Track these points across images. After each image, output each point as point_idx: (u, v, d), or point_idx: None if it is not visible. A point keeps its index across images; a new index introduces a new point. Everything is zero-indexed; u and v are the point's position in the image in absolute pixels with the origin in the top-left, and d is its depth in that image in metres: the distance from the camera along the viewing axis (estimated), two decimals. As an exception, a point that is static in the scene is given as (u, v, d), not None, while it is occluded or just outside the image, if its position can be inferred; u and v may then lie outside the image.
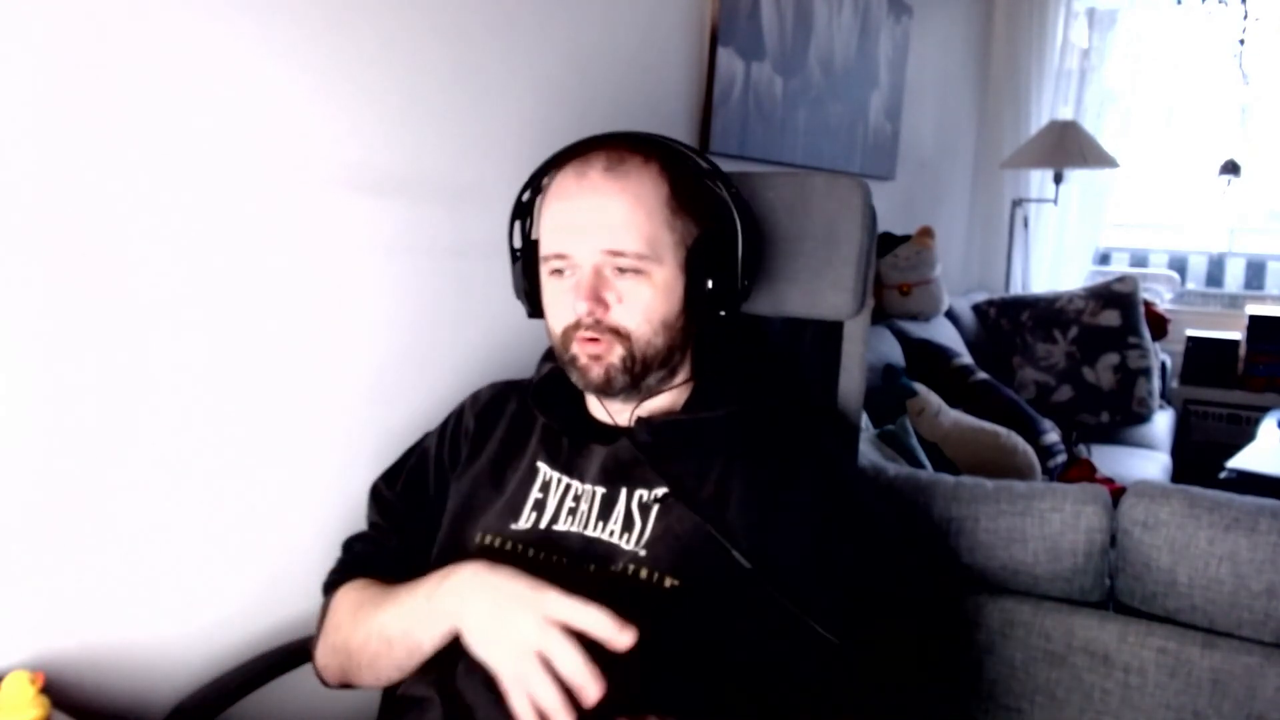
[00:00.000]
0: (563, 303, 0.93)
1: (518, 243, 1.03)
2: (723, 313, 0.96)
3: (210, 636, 1.06)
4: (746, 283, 0.98)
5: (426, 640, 0.85)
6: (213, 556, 1.06)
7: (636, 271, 0.91)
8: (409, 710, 0.89)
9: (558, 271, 0.94)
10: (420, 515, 1.04)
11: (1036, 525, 1.29)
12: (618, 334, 0.91)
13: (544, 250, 0.95)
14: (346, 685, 0.97)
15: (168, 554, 1.01)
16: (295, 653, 1.09)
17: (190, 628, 1.04)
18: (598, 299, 0.90)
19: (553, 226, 0.94)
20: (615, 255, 0.90)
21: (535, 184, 1.01)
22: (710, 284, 0.94)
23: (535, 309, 1.00)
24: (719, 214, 0.97)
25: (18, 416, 0.87)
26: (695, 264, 0.94)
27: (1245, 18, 3.52)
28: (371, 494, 1.09)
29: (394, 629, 0.88)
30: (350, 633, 0.94)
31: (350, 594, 0.98)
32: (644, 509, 0.91)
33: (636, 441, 0.94)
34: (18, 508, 0.88)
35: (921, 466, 1.91)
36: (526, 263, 1.00)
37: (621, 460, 0.95)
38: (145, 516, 0.98)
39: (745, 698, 0.84)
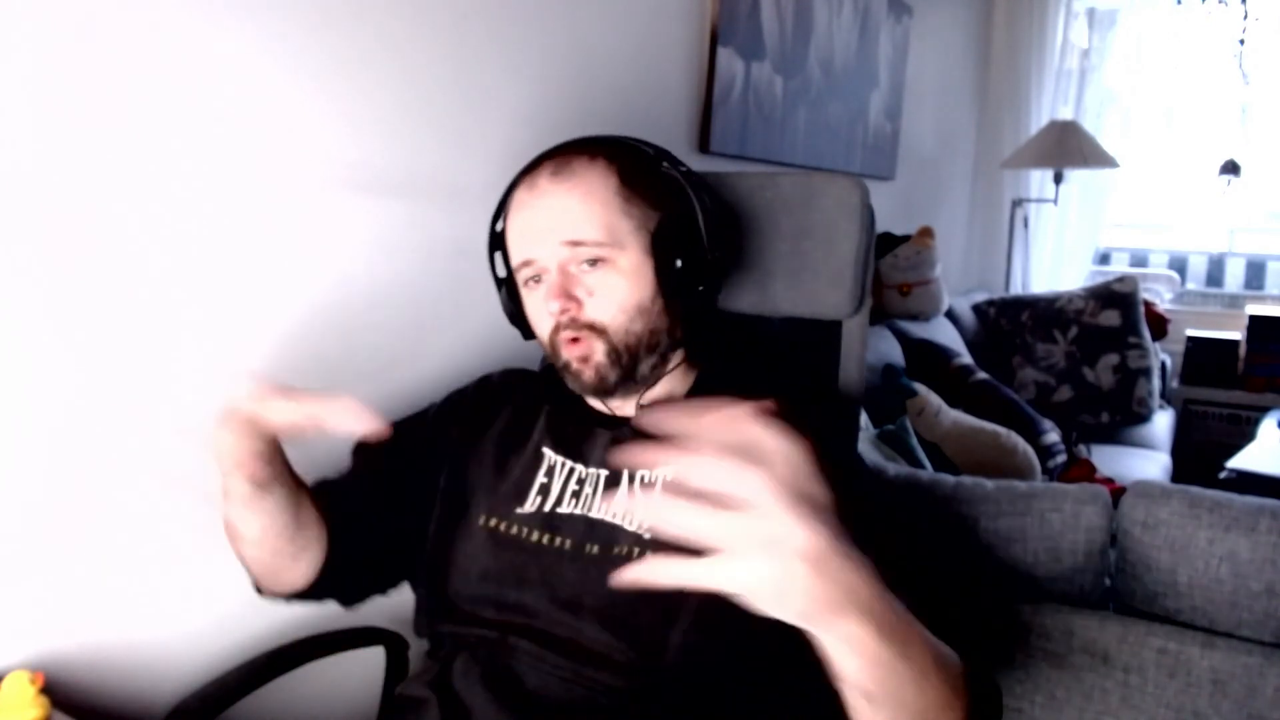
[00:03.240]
0: (541, 311, 0.95)
1: (501, 272, 1.04)
2: (700, 288, 0.97)
3: (210, 636, 1.06)
4: (717, 254, 0.98)
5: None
6: (213, 556, 1.05)
7: (601, 261, 0.92)
8: (408, 710, 0.89)
9: (532, 281, 0.96)
10: (402, 461, 1.03)
11: (1036, 525, 1.29)
12: (594, 329, 0.92)
13: (513, 262, 0.97)
14: (281, 587, 0.96)
15: (168, 554, 1.01)
16: (295, 653, 1.09)
17: (190, 628, 1.04)
18: (568, 296, 0.92)
19: (515, 238, 0.96)
20: (575, 245, 0.92)
21: (503, 211, 1.02)
22: (679, 263, 0.94)
23: (528, 331, 1.02)
24: (676, 196, 0.98)
25: (18, 417, 0.87)
26: (660, 245, 0.95)
27: (1245, 18, 3.52)
28: (354, 448, 1.07)
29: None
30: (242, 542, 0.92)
31: None
32: (647, 490, 0.91)
33: (638, 429, 0.95)
34: (18, 508, 0.88)
35: (921, 466, 1.91)
36: (510, 289, 1.02)
37: (624, 444, 0.95)
38: (145, 516, 0.98)
39: (749, 681, 0.85)
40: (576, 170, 0.94)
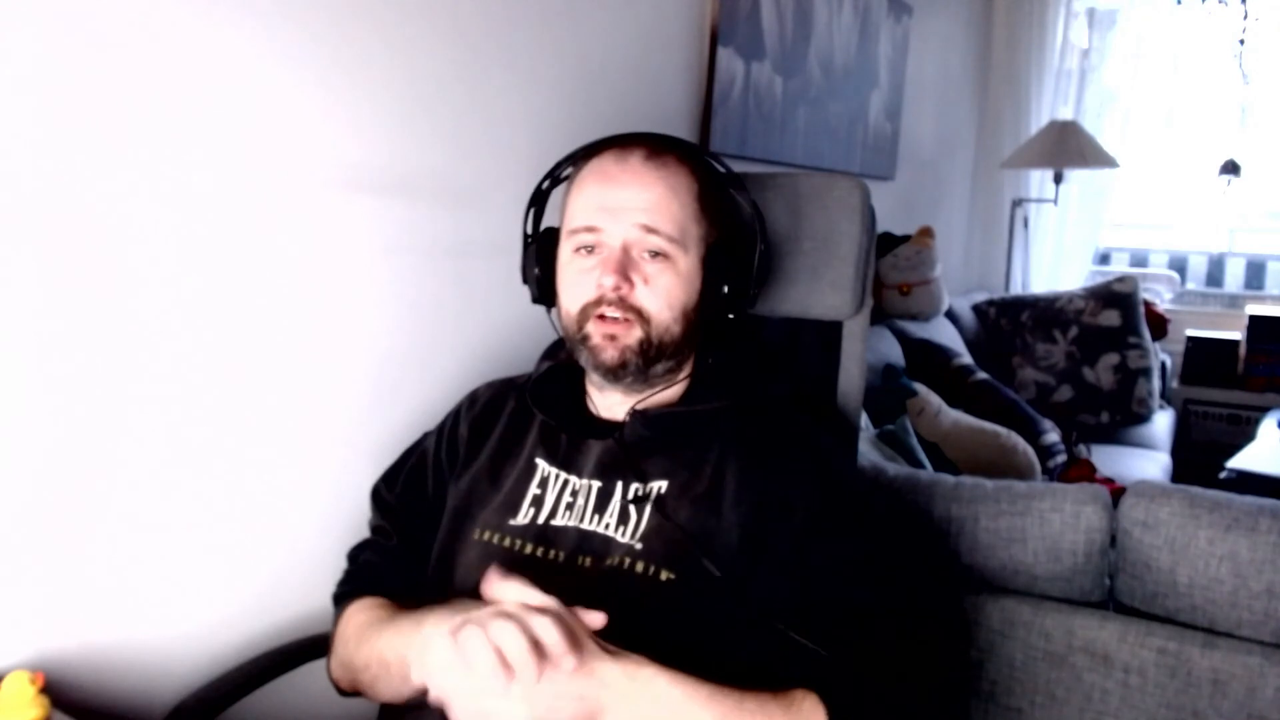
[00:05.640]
0: (585, 280, 0.94)
1: (530, 229, 1.05)
2: (731, 315, 0.99)
3: (210, 636, 1.06)
4: (757, 291, 1.01)
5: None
6: (213, 556, 1.06)
7: (664, 256, 0.93)
8: (408, 711, 0.89)
9: (583, 250, 0.95)
10: (420, 516, 1.05)
11: (1036, 525, 1.29)
12: (640, 315, 0.93)
13: (574, 224, 0.96)
14: (360, 694, 0.98)
15: (168, 554, 1.01)
16: (295, 653, 1.09)
17: (190, 628, 1.04)
18: (625, 275, 0.92)
19: (587, 204, 0.95)
20: (649, 232, 0.92)
21: (556, 174, 1.03)
22: (727, 289, 0.96)
23: (542, 295, 1.01)
24: (736, 222, 1.01)
25: (18, 416, 0.87)
26: (712, 264, 0.96)
27: (1245, 18, 3.52)
28: (372, 496, 1.10)
29: (390, 654, 0.89)
30: (355, 652, 0.95)
31: (358, 613, 0.99)
32: (639, 503, 0.92)
33: (630, 436, 0.95)
34: (18, 507, 0.88)
35: (921, 466, 1.91)
36: (540, 249, 1.01)
37: (617, 454, 0.95)
38: (146, 516, 0.98)
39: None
40: (669, 165, 0.95)
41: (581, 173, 0.98)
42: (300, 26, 1.06)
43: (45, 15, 0.84)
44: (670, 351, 0.95)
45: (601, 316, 0.93)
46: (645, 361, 0.93)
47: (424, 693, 0.78)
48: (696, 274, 0.95)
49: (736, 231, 1.01)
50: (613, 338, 0.93)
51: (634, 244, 0.92)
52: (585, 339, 0.94)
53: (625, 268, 0.92)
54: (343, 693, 1.00)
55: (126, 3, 0.90)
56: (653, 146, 0.97)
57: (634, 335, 0.92)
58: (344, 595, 1.04)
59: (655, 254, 0.93)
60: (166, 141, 0.95)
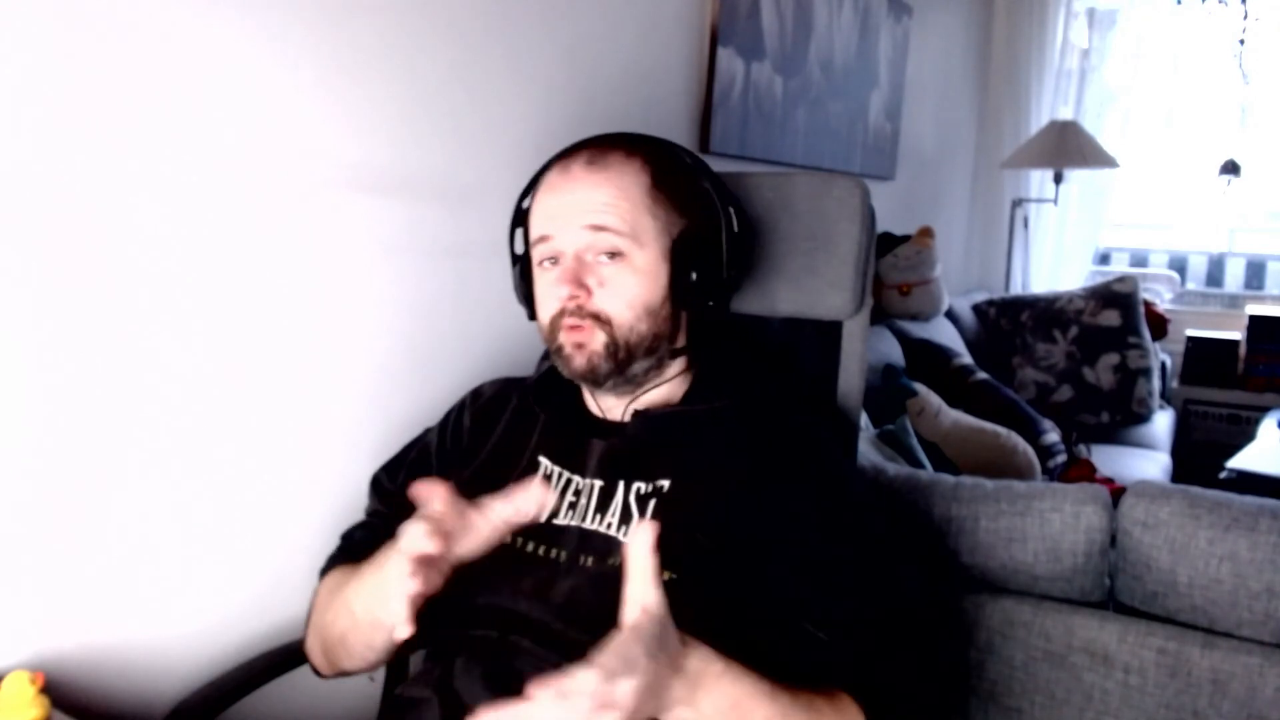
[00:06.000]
0: (551, 293, 0.95)
1: (519, 249, 1.05)
2: (710, 303, 0.97)
3: (210, 636, 1.06)
4: (733, 273, 0.99)
5: (386, 616, 0.82)
6: (213, 556, 1.06)
7: (618, 255, 0.93)
8: (408, 710, 0.89)
9: (548, 262, 0.96)
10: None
11: (1036, 525, 1.29)
12: (598, 319, 0.93)
13: (531, 237, 0.97)
14: (339, 672, 0.97)
15: (168, 554, 1.01)
16: (295, 653, 1.08)
17: (190, 628, 1.04)
18: (579, 284, 0.92)
19: (539, 216, 0.97)
20: (597, 230, 0.92)
21: (532, 189, 1.03)
22: (695, 275, 0.95)
23: (534, 311, 1.02)
24: (705, 208, 0.99)
25: (18, 416, 0.87)
26: (679, 254, 0.95)
27: (1245, 18, 3.52)
28: (372, 484, 1.09)
29: (358, 605, 0.88)
30: (324, 612, 0.95)
31: (334, 576, 0.99)
32: (641, 501, 0.92)
33: (631, 435, 0.95)
34: (18, 508, 0.88)
35: (921, 466, 1.91)
36: (525, 267, 1.02)
37: (619, 454, 0.95)
38: (145, 516, 0.98)
39: None
40: (612, 163, 0.95)
41: (536, 190, 0.99)
42: (300, 26, 1.06)
43: (45, 15, 0.84)
44: (643, 350, 0.95)
45: (567, 326, 0.94)
46: (617, 364, 0.94)
47: (395, 645, 0.77)
48: (661, 267, 0.95)
49: (709, 216, 0.99)
50: (580, 345, 0.93)
51: (586, 249, 0.93)
52: (559, 349, 0.95)
53: (578, 276, 0.92)
54: (320, 673, 0.99)
55: (126, 2, 0.90)
56: (596, 148, 0.97)
57: (599, 340, 0.93)
58: (328, 568, 1.03)
59: (612, 255, 0.93)
60: (167, 141, 0.95)
